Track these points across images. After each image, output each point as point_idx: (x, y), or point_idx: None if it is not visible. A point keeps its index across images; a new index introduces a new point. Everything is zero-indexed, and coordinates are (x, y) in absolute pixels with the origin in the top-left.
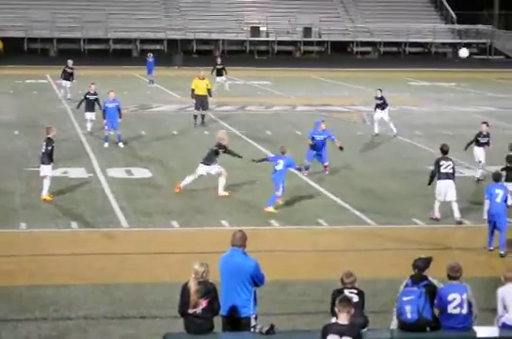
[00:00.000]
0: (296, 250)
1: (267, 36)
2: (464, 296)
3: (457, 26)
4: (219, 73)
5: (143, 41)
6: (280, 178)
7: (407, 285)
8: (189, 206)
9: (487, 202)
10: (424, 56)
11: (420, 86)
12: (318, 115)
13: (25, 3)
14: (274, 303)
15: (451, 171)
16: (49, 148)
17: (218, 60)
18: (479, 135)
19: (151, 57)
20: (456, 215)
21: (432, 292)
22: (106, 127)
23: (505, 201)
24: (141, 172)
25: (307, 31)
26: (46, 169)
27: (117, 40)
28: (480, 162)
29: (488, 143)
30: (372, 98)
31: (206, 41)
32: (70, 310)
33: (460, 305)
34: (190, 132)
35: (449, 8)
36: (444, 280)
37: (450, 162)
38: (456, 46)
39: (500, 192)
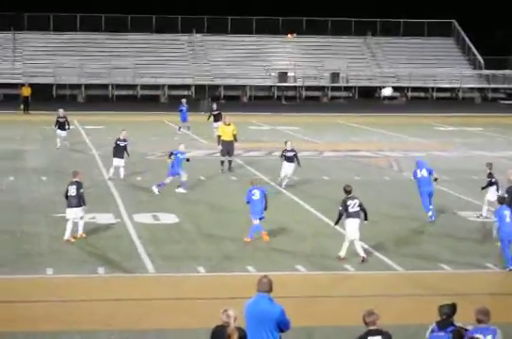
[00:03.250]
0: (322, 296)
1: (295, 81)
2: (489, 337)
3: (485, 71)
4: (216, 119)
5: (171, 87)
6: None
7: (433, 331)
8: (215, 252)
9: (495, 225)
10: (451, 101)
11: (447, 131)
12: (346, 160)
13: (54, 49)
14: None
15: (358, 209)
16: (81, 191)
17: (214, 106)
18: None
19: (184, 104)
20: (361, 253)
21: (460, 337)
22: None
23: None
24: (168, 218)
25: (334, 76)
26: (79, 212)
27: (144, 86)
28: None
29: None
30: (400, 143)
31: (233, 87)
32: None
33: None
34: (217, 177)
35: (476, 53)
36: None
37: (356, 200)
38: (483, 91)
39: (507, 213)
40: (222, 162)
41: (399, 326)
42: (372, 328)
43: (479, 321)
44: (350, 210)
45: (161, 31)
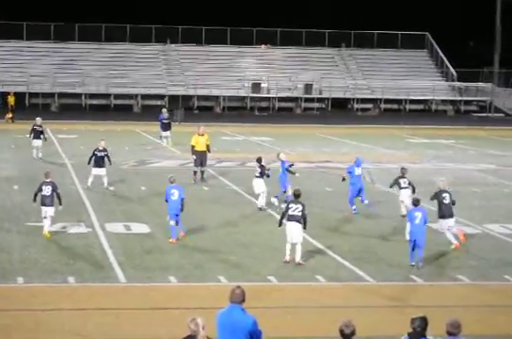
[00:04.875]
0: (294, 307)
1: (268, 92)
2: None
3: (457, 84)
4: (166, 128)
5: (144, 97)
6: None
7: None
8: (187, 262)
9: (408, 225)
10: (424, 113)
11: (419, 143)
12: (317, 171)
13: (27, 58)
14: None
15: (299, 214)
16: (58, 191)
17: (166, 115)
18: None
19: (165, 113)
20: (298, 258)
21: None
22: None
23: (425, 222)
24: (140, 228)
25: (308, 88)
26: (51, 211)
27: (118, 96)
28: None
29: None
30: (373, 154)
31: (207, 97)
32: None
33: None
34: (190, 188)
35: (449, 66)
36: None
37: (299, 205)
38: (455, 103)
39: (419, 215)
40: (195, 172)
41: (370, 337)
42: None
43: (449, 334)
44: (290, 213)
45: (135, 41)
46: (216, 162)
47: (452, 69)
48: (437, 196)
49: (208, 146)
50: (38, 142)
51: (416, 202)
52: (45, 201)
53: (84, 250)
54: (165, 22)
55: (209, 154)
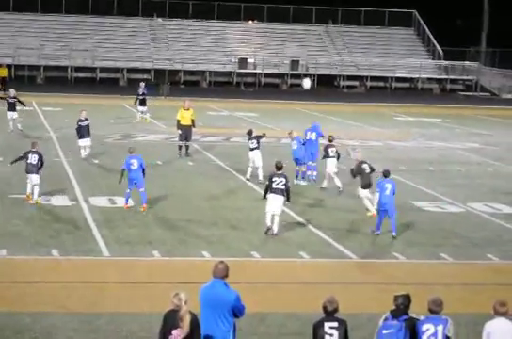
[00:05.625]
0: (277, 283)
1: (255, 68)
2: (439, 327)
3: (444, 62)
4: (142, 103)
5: (130, 71)
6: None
7: (386, 319)
8: (171, 236)
9: (377, 195)
10: (410, 91)
11: (405, 121)
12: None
13: (12, 30)
14: (253, 335)
15: (282, 187)
16: (43, 160)
17: (141, 90)
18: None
19: (141, 88)
20: (275, 229)
21: (412, 326)
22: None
23: (394, 193)
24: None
25: (294, 64)
26: (37, 178)
27: (104, 69)
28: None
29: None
30: (359, 132)
31: (193, 72)
32: (47, 338)
33: (434, 336)
34: (175, 162)
35: (436, 44)
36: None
37: (282, 178)
38: (442, 82)
39: (389, 186)
40: (180, 147)
41: (352, 314)
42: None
43: (431, 311)
44: (274, 186)
45: (122, 14)
46: (201, 137)
47: (438, 47)
48: (358, 169)
49: (193, 121)
50: (12, 114)
51: (387, 174)
52: (32, 170)
53: (67, 223)
54: None
55: (194, 129)
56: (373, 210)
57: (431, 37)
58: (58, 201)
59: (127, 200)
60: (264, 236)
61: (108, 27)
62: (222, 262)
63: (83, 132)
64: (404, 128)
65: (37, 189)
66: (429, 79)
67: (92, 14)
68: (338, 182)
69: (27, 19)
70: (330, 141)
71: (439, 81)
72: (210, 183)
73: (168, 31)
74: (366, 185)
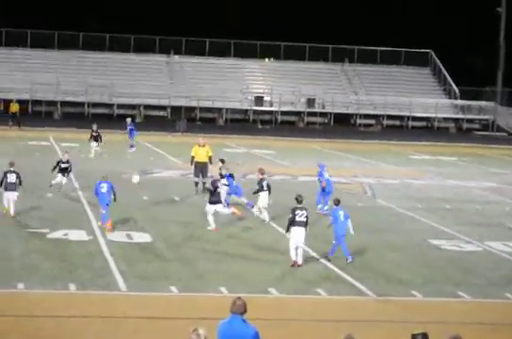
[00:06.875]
0: (294, 319)
1: (271, 105)
2: None
3: (460, 102)
4: (96, 140)
5: (147, 107)
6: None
7: None
8: (188, 272)
9: (334, 225)
10: (426, 130)
11: (422, 159)
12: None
13: (31, 65)
14: None
15: (305, 220)
16: (21, 179)
17: (94, 127)
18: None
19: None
20: (300, 261)
21: None
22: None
23: (346, 217)
24: (141, 237)
25: (310, 102)
26: (14, 196)
27: (121, 106)
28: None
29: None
30: (375, 169)
31: (209, 109)
32: None
33: None
34: (191, 198)
35: (452, 84)
36: None
37: (304, 211)
38: (458, 121)
39: (341, 213)
40: (196, 183)
41: None
42: None
43: None
44: (297, 219)
45: (139, 51)
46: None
47: (455, 86)
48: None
49: (210, 157)
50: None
51: (337, 202)
52: (11, 187)
53: (85, 257)
54: (169, 33)
55: (210, 166)
56: (213, 225)
57: (447, 76)
58: (75, 235)
59: (103, 220)
60: (281, 273)
61: (125, 64)
62: (240, 298)
63: (62, 172)
64: (420, 166)
65: (13, 204)
66: (445, 118)
67: (109, 51)
68: (266, 215)
69: (45, 55)
70: (263, 174)
71: (455, 120)
72: (227, 218)
73: (184, 68)
74: (213, 202)
